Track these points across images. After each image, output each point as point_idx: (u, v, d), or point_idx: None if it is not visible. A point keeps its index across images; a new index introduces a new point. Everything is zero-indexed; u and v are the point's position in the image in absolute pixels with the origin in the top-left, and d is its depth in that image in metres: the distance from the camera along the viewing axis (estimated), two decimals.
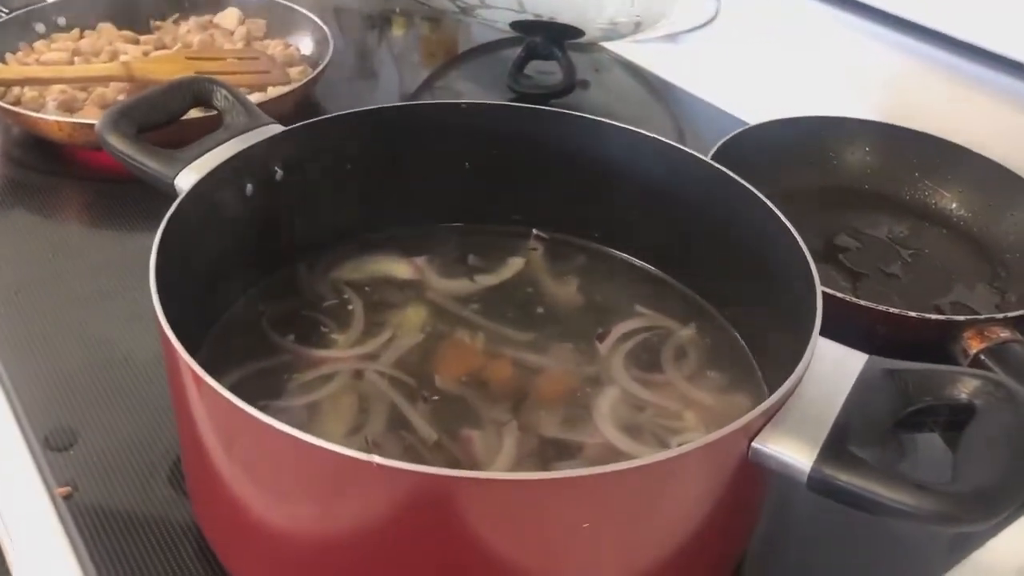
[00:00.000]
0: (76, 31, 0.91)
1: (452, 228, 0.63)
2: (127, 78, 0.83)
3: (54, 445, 0.54)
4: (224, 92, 0.58)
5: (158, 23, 0.95)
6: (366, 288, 0.58)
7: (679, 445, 0.38)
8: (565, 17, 0.92)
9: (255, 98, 0.82)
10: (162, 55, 0.88)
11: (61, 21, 0.92)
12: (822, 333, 0.43)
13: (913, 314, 0.59)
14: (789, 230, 0.49)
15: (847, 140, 0.80)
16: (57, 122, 0.76)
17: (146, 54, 0.88)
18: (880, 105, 0.83)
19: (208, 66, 0.85)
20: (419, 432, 0.49)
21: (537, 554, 0.38)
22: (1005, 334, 0.58)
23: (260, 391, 0.50)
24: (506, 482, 0.35)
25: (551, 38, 0.93)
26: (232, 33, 0.94)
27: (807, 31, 0.91)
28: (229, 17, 0.96)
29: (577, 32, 0.94)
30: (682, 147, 0.57)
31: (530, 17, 0.92)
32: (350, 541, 0.39)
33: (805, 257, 0.48)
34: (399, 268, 0.60)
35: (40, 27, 0.91)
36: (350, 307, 0.57)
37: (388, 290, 0.59)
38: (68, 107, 0.80)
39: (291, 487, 0.40)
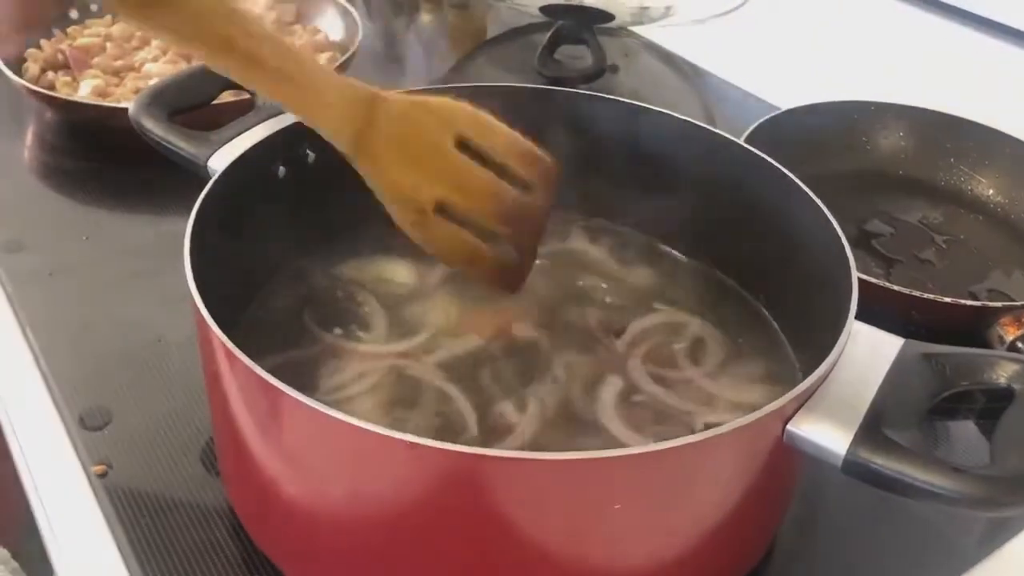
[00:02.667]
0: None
1: None
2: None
3: (89, 425, 0.54)
4: None
5: None
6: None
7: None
8: (595, 1, 0.91)
9: None
10: None
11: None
12: (856, 319, 0.43)
13: (948, 299, 0.59)
14: (824, 214, 0.49)
15: (880, 125, 0.79)
16: (92, 105, 0.77)
17: None
18: (914, 89, 0.82)
19: None
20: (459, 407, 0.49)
21: (569, 534, 0.38)
22: None
23: (293, 371, 0.50)
24: (538, 461, 0.35)
25: (581, 22, 0.93)
26: (262, 18, 0.94)
27: (839, 14, 0.90)
28: (259, 2, 0.96)
29: (607, 16, 0.93)
30: (717, 130, 0.56)
31: (560, 1, 0.92)
32: (381, 519, 0.40)
33: (840, 241, 0.47)
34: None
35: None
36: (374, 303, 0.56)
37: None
38: (102, 92, 0.81)
39: (323, 466, 0.40)
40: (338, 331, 0.54)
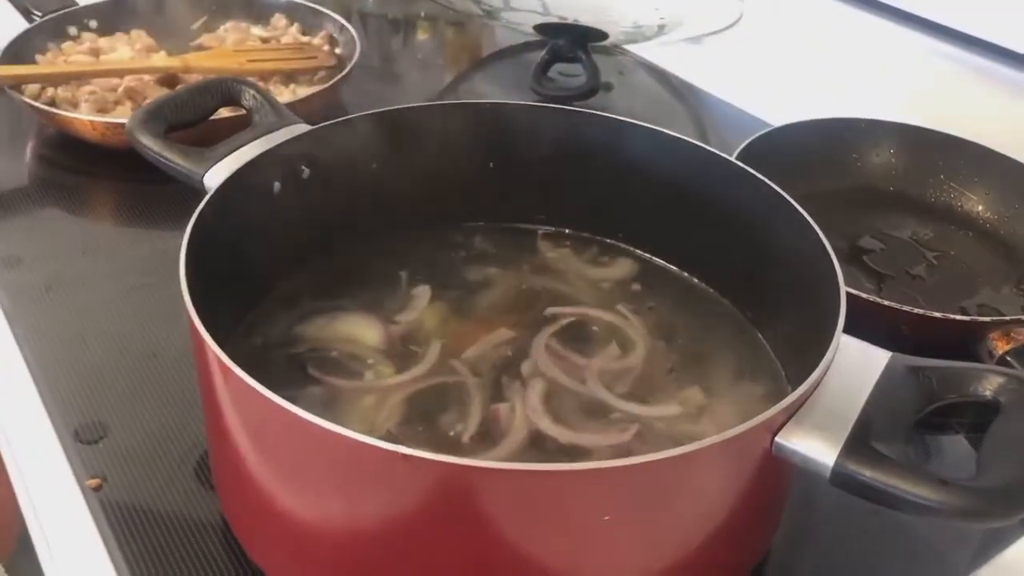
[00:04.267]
0: (94, 34, 0.93)
1: (475, 227, 0.64)
2: (183, 69, 0.86)
3: (84, 438, 0.55)
4: (252, 92, 0.59)
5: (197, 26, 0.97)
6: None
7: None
8: (589, 20, 0.92)
9: (284, 98, 0.83)
10: (216, 50, 0.91)
11: (92, 24, 0.94)
12: (847, 334, 0.43)
13: (938, 314, 0.59)
14: (814, 230, 0.50)
15: (871, 142, 0.80)
16: (91, 121, 0.78)
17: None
18: (905, 107, 0.83)
19: (260, 56, 0.89)
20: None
21: (559, 546, 0.39)
22: None
23: (285, 384, 0.50)
24: (529, 472, 0.36)
25: (575, 41, 0.93)
26: (280, 38, 0.96)
27: (831, 33, 0.91)
28: (278, 21, 0.98)
29: (601, 35, 0.94)
30: (707, 147, 0.57)
31: (554, 20, 0.93)
32: (375, 532, 0.40)
33: (829, 256, 0.48)
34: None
35: (72, 30, 0.93)
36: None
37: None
38: (100, 107, 0.82)
39: (317, 478, 0.41)
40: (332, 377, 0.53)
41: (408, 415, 0.50)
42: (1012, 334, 0.58)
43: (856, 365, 0.42)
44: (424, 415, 0.50)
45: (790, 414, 0.40)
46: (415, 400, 0.51)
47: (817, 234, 0.49)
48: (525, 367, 0.53)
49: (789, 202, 0.52)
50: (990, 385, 0.41)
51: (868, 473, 0.37)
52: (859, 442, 0.39)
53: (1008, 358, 0.57)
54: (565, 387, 0.52)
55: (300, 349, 0.54)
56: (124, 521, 0.50)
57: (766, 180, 0.54)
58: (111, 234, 0.75)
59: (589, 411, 0.51)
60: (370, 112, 0.59)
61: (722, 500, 0.41)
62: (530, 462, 0.47)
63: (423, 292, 0.58)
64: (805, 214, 0.51)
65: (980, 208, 0.76)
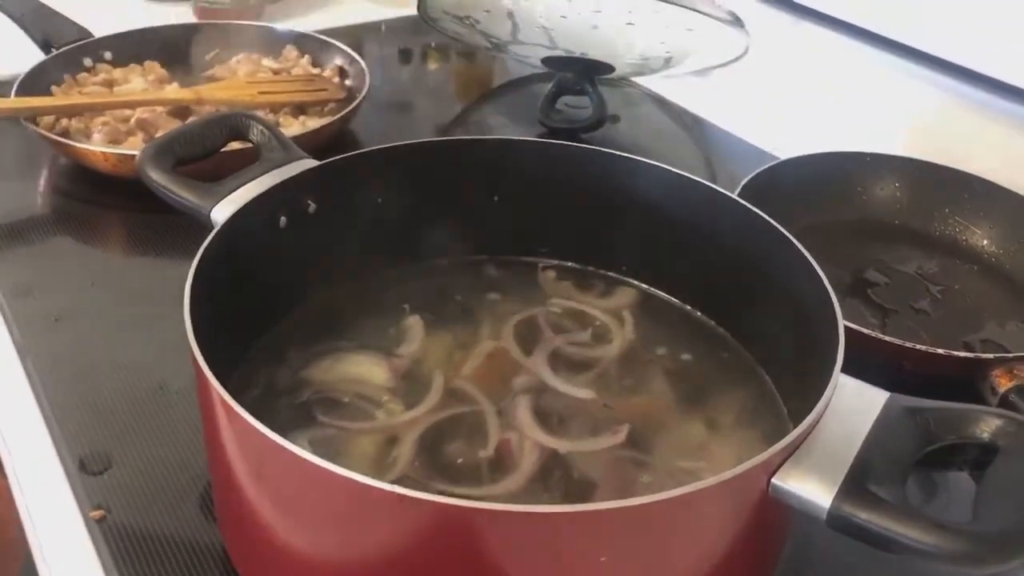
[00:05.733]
0: (108, 65, 0.94)
1: (479, 260, 0.64)
2: (195, 101, 0.87)
3: (89, 469, 0.55)
4: (260, 127, 0.60)
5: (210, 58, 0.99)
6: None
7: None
8: (596, 53, 0.93)
9: (294, 130, 0.84)
10: (228, 82, 0.92)
11: (107, 56, 0.95)
12: (849, 369, 0.43)
13: (940, 351, 0.59)
14: (812, 266, 0.50)
15: (876, 175, 0.80)
16: (103, 152, 0.79)
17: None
18: (909, 141, 0.83)
19: (271, 88, 0.90)
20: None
21: None
22: None
23: (289, 419, 0.51)
24: (524, 514, 0.36)
25: (582, 73, 0.94)
26: (291, 69, 0.97)
27: (836, 67, 0.92)
28: (289, 52, 1.00)
29: (607, 68, 0.95)
30: (707, 183, 0.57)
31: (561, 53, 0.94)
32: (372, 568, 0.40)
33: (828, 294, 0.48)
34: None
35: (87, 61, 0.94)
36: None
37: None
38: (113, 137, 0.83)
39: (316, 515, 0.41)
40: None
41: (422, 450, 0.50)
42: (1015, 371, 0.58)
43: (854, 406, 0.42)
44: (438, 448, 0.50)
45: (787, 455, 0.40)
46: (428, 434, 0.51)
47: (816, 271, 0.49)
48: (518, 382, 0.55)
49: (788, 238, 0.52)
50: (987, 427, 0.41)
51: (863, 516, 0.37)
52: (856, 484, 0.39)
53: (1011, 396, 0.57)
54: (557, 398, 0.54)
55: (307, 394, 0.54)
56: (127, 552, 0.50)
57: (764, 216, 0.54)
58: (121, 265, 0.76)
59: (580, 420, 0.53)
60: (375, 148, 0.59)
61: (719, 542, 0.41)
62: (538, 493, 0.48)
63: (425, 325, 0.59)
64: (803, 250, 0.51)
65: (985, 242, 0.77)
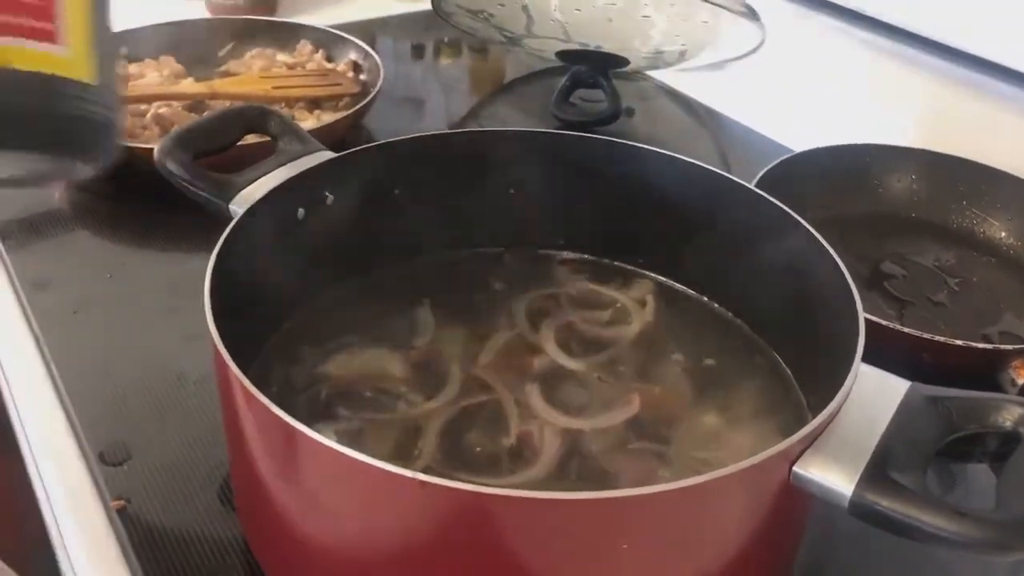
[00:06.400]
0: (123, 60, 0.94)
1: (495, 252, 0.64)
2: (210, 96, 0.87)
3: (109, 460, 0.55)
4: (277, 120, 0.60)
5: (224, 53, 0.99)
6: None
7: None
8: (610, 47, 0.93)
9: (308, 124, 0.84)
10: (243, 77, 0.93)
11: (123, 51, 0.95)
12: (867, 361, 0.43)
13: (959, 342, 0.59)
14: (832, 256, 0.50)
15: (893, 167, 0.80)
16: (120, 147, 0.79)
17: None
18: (926, 132, 0.83)
19: (286, 82, 0.91)
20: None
21: (577, 573, 0.39)
22: None
23: (310, 413, 0.51)
24: (545, 501, 0.36)
25: (596, 67, 0.94)
26: (305, 64, 0.97)
27: (852, 58, 0.91)
28: (304, 47, 1.00)
29: (622, 61, 0.95)
30: (724, 173, 0.57)
31: (576, 47, 0.94)
32: (394, 556, 0.40)
33: (848, 283, 0.48)
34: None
35: None
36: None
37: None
38: (130, 132, 0.83)
39: (337, 503, 0.41)
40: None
41: (445, 440, 0.50)
42: None
43: (875, 395, 0.42)
44: (460, 438, 0.51)
45: (808, 443, 0.40)
46: (450, 424, 0.51)
47: (836, 262, 0.49)
48: (535, 368, 0.56)
49: (807, 229, 0.52)
50: (1010, 416, 0.41)
51: (886, 503, 0.37)
52: (877, 472, 0.39)
53: None
54: (574, 380, 0.55)
55: (325, 390, 0.53)
56: (147, 542, 0.50)
57: (783, 206, 0.54)
58: (137, 257, 0.76)
59: (596, 400, 0.54)
60: (391, 140, 0.59)
61: (740, 530, 0.41)
62: (561, 481, 0.48)
63: (441, 316, 0.59)
64: (823, 241, 0.51)
65: (1003, 234, 0.76)
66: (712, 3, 0.84)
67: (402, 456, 0.49)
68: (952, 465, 0.58)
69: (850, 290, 0.47)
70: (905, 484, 0.38)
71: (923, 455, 0.41)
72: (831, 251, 0.50)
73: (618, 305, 0.61)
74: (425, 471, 0.45)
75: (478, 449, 0.50)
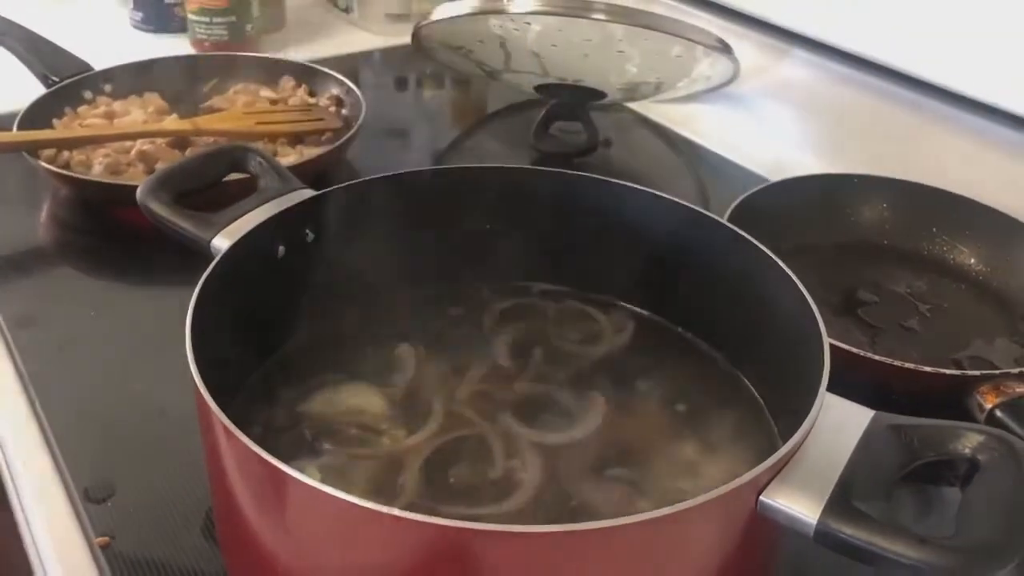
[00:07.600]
0: (108, 97, 0.96)
1: (474, 288, 0.65)
2: (194, 132, 0.88)
3: (93, 497, 0.56)
4: (258, 159, 0.61)
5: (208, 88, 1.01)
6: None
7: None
8: (587, 81, 0.95)
9: (291, 159, 0.85)
10: (226, 113, 0.94)
11: (107, 88, 0.97)
12: (838, 388, 0.44)
13: (928, 368, 0.60)
14: (797, 286, 0.51)
15: (865, 196, 0.82)
16: (104, 184, 0.80)
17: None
18: (898, 162, 0.85)
19: (269, 118, 0.92)
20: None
21: None
22: (1021, 388, 0.59)
23: (291, 450, 0.52)
24: (517, 535, 0.37)
25: (574, 100, 0.96)
26: (288, 99, 0.98)
27: (824, 90, 0.94)
28: (287, 82, 1.01)
29: (599, 94, 0.97)
30: (692, 206, 0.59)
31: (553, 81, 0.96)
32: None
33: (814, 313, 0.49)
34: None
35: (88, 94, 0.95)
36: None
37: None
38: (114, 169, 0.84)
39: (316, 539, 0.42)
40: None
41: (428, 475, 0.51)
42: (1002, 387, 0.59)
43: (840, 424, 0.43)
44: (443, 472, 0.51)
45: (774, 473, 0.41)
46: (433, 459, 0.52)
47: (802, 293, 0.50)
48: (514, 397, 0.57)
49: (774, 260, 0.53)
50: (969, 443, 0.42)
51: (849, 531, 0.38)
52: (841, 501, 0.40)
53: (997, 412, 0.58)
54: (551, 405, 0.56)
55: (307, 428, 0.54)
56: None
57: (749, 237, 0.55)
58: (121, 294, 0.77)
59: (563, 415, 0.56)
60: (370, 178, 0.61)
61: (711, 558, 0.41)
62: (546, 510, 0.49)
63: (420, 351, 0.60)
64: (789, 272, 0.52)
65: (972, 261, 0.78)
66: (687, 39, 0.85)
67: (385, 491, 0.50)
68: (930, 489, 0.59)
69: (815, 320, 0.48)
70: (868, 512, 0.39)
71: (886, 483, 0.42)
72: (797, 281, 0.51)
73: (596, 334, 0.62)
74: (409, 506, 0.46)
75: (454, 481, 0.51)
